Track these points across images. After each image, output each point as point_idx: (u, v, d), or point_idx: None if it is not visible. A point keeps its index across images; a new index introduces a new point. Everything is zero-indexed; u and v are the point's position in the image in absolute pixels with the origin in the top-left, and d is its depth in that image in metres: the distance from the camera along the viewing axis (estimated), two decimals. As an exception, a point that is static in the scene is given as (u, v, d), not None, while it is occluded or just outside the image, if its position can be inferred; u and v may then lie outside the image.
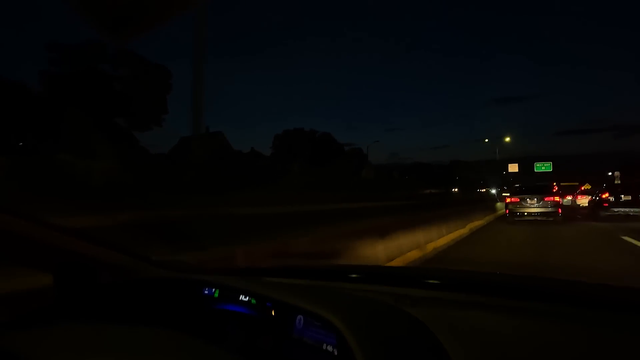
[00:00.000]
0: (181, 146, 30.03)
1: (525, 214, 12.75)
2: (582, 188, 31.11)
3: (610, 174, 53.94)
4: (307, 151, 41.46)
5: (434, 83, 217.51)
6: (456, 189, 54.49)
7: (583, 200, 27.22)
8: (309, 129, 51.07)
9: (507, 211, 13.27)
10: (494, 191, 42.83)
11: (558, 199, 12.98)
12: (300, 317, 0.87)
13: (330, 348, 0.79)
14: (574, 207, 27.49)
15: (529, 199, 12.85)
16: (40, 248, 1.02)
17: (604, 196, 15.87)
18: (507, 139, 35.84)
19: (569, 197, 31.89)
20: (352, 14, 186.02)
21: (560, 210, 12.71)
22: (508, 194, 15.35)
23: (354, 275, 1.32)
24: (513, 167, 39.35)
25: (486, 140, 41.47)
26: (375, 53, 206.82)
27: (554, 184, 17.82)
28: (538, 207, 12.67)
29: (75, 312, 1.08)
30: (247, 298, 1.02)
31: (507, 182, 39.67)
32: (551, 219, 12.40)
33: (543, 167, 38.29)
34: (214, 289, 1.10)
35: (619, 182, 23.67)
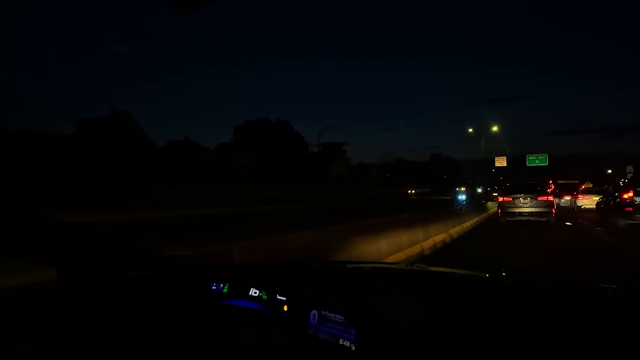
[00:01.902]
0: (83, 130, 24.50)
1: (518, 213, 12.79)
2: (583, 187, 25.78)
3: (610, 171, 49.74)
4: (262, 143, 36.13)
5: (428, 84, 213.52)
6: (413, 191, 49.36)
7: (585, 201, 22.03)
8: (275, 119, 45.81)
9: (499, 211, 13.34)
10: (480, 190, 37.42)
11: (552, 199, 12.86)
12: (314, 312, 0.85)
13: (347, 344, 0.77)
14: (573, 209, 22.64)
15: (522, 198, 12.69)
16: (46, 243, 1.02)
17: (625, 196, 10.96)
18: (495, 129, 30.76)
19: (567, 197, 27.01)
20: (349, 16, 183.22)
21: (553, 211, 12.66)
22: (498, 194, 15.76)
23: (364, 272, 1.34)
24: (501, 161, 33.35)
25: (470, 130, 35.95)
26: (371, 53, 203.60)
27: (551, 182, 17.81)
28: (531, 207, 12.60)
29: (80, 308, 1.08)
30: (258, 293, 1.00)
31: (497, 181, 34.68)
32: (544, 219, 12.43)
33: (537, 160, 31.98)
34: (222, 284, 1.09)
35: (631, 175, 18.61)
